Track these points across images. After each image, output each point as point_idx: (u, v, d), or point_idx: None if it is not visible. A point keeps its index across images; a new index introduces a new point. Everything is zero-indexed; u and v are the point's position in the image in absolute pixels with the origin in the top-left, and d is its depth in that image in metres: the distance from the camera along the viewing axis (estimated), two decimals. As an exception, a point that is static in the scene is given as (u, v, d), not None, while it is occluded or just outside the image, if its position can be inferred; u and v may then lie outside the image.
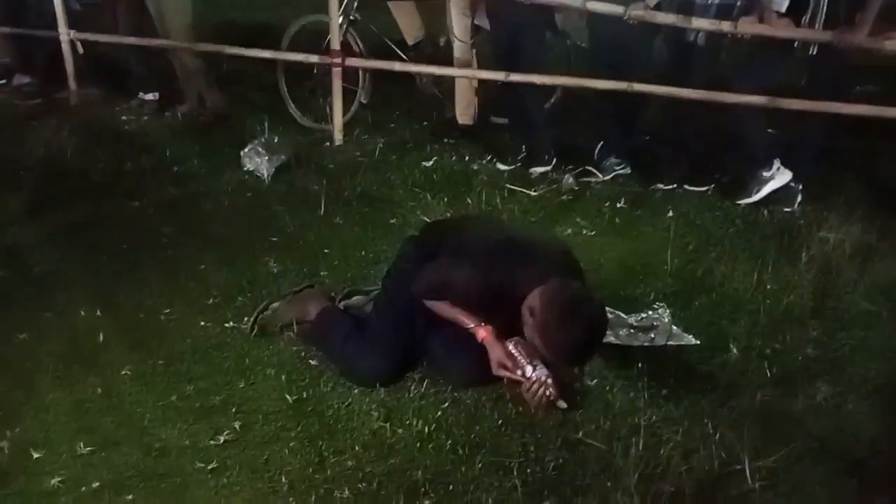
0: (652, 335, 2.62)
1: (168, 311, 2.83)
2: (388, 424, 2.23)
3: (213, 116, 4.92)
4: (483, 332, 2.32)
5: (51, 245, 3.30)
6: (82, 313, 2.80)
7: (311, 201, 3.75)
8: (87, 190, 3.88)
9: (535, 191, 3.92)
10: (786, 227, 3.48)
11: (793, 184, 3.71)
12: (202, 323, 2.76)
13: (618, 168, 4.09)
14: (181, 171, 4.17)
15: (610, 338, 2.54)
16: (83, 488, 2.03)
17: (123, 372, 2.48)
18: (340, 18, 4.40)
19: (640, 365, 2.46)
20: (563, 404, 2.25)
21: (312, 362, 2.53)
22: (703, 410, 2.29)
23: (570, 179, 4.02)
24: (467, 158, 4.35)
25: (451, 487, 2.02)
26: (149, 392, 2.40)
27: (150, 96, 5.14)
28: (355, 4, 4.63)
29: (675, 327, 2.66)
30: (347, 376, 2.44)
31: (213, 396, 2.37)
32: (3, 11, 5.31)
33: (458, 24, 4.41)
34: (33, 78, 5.49)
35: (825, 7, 3.47)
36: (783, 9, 3.48)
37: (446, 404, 2.32)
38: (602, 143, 4.17)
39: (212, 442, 2.18)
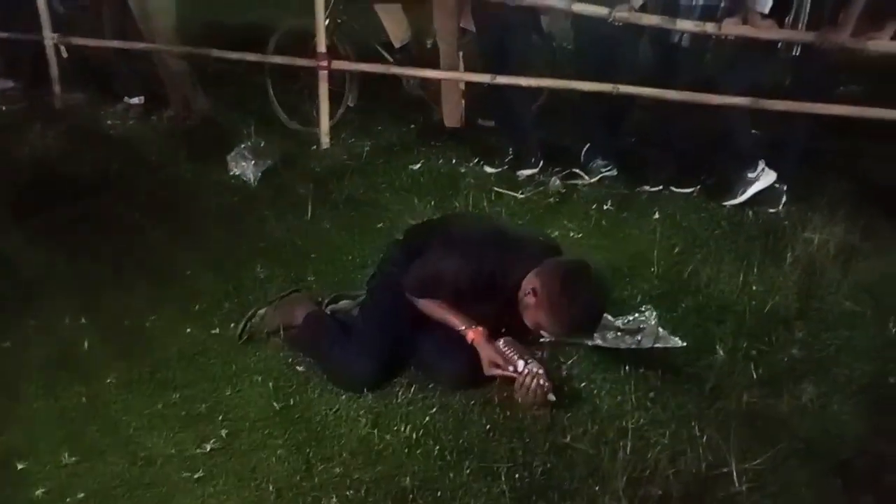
0: (639, 338, 2.62)
1: (154, 317, 2.81)
2: (375, 430, 2.23)
3: (199, 120, 4.89)
4: (473, 334, 2.32)
5: (35, 250, 3.28)
6: (67, 320, 2.78)
7: (297, 205, 3.73)
8: (71, 195, 3.84)
9: (522, 193, 3.93)
10: (771, 228, 3.51)
11: (777, 184, 3.74)
12: (188, 329, 2.74)
13: (604, 170, 4.11)
14: (167, 176, 4.15)
15: (597, 341, 2.56)
16: (68, 499, 2.01)
17: (109, 380, 2.46)
18: (326, 21, 4.39)
19: (627, 368, 2.47)
20: (552, 397, 2.26)
21: (300, 368, 2.51)
22: (690, 413, 2.29)
23: (557, 182, 4.02)
24: (454, 161, 4.35)
25: (439, 493, 2.01)
26: (134, 400, 2.38)
27: (135, 100, 5.12)
28: (341, 7, 4.62)
29: (661, 329, 2.67)
30: (335, 381, 2.42)
31: (200, 404, 2.36)
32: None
33: (445, 27, 4.41)
34: (17, 82, 5.45)
35: (808, 8, 3.50)
36: (766, 10, 3.50)
37: (434, 409, 2.31)
38: (588, 145, 4.19)
39: (198, 450, 2.17)
